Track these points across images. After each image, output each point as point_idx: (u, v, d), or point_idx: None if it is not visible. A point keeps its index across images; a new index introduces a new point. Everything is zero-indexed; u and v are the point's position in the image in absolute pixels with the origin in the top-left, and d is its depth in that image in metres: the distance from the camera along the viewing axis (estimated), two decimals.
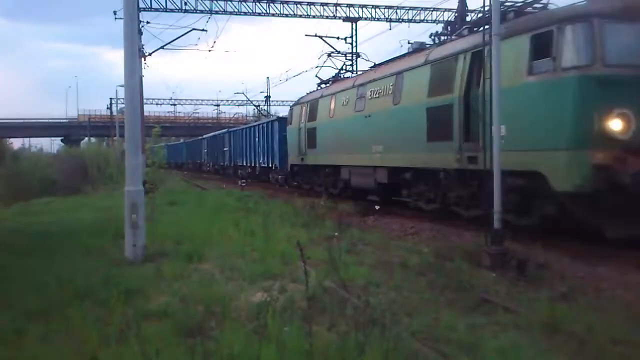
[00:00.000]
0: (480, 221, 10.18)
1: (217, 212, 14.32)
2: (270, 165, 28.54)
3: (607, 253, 8.62)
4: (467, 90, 10.98)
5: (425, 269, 7.83)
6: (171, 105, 75.70)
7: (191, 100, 76.78)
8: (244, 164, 34.32)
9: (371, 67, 18.54)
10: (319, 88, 22.17)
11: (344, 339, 4.66)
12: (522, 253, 8.42)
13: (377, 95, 15.20)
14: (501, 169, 8.69)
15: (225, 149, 40.22)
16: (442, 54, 12.33)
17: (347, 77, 20.54)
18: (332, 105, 18.54)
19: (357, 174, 16.75)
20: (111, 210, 14.28)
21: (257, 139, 31.07)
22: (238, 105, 73.04)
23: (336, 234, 10.90)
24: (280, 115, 34.33)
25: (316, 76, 23.49)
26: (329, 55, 24.79)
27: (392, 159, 14.26)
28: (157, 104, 72.95)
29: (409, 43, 20.04)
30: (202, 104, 77.77)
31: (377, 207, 15.54)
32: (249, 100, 58.86)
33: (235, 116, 77.27)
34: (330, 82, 21.69)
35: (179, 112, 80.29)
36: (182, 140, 74.25)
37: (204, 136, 51.90)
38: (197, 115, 79.35)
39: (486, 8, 9.94)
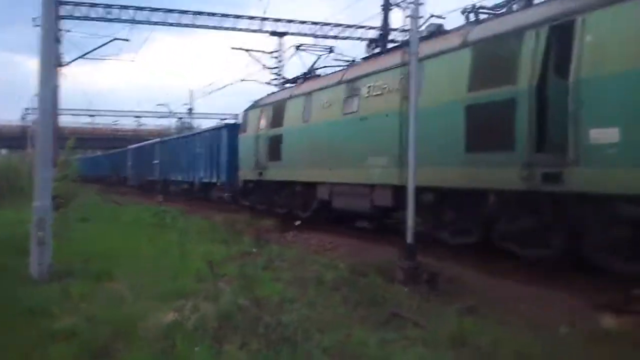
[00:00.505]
0: (548, 264, 8.59)
1: (131, 229, 13.93)
2: (214, 180, 24.74)
3: (514, 268, 8.97)
4: (542, 79, 8.14)
5: (340, 284, 7.88)
6: (89, 116, 73.38)
7: (110, 111, 74.69)
8: (179, 179, 30.73)
9: (362, 58, 15.16)
10: (281, 88, 19.29)
11: (254, 357, 4.64)
12: (434, 267, 8.63)
13: (378, 92, 11.83)
14: (605, 193, 7.01)
15: (155, 161, 35.92)
16: (494, 32, 9.26)
17: (325, 74, 16.49)
18: (307, 107, 14.94)
19: (343, 193, 13.21)
20: (18, 225, 13.61)
21: (197, 150, 27.34)
22: (160, 117, 71.75)
23: (254, 250, 10.86)
24: (204, 127, 33.02)
25: (277, 75, 20.93)
26: (297, 48, 21.45)
27: (402, 175, 10.17)
28: (74, 114, 70.54)
29: (334, 59, 19.84)
30: (122, 116, 75.76)
31: (296, 223, 15.57)
32: (171, 112, 57.88)
33: (157, 128, 75.70)
34: (300, 80, 17.79)
35: (98, 124, 77.87)
36: (99, 153, 71.74)
37: (129, 147, 47.11)
38: (116, 127, 77.16)
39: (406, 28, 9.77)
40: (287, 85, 19.69)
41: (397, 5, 21.03)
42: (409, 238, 8.63)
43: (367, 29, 31.67)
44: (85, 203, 22.99)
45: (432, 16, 12.52)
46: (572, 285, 7.79)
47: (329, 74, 15.83)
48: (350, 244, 12.00)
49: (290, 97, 16.45)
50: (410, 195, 8.75)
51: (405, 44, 11.24)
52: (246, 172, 19.13)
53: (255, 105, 19.30)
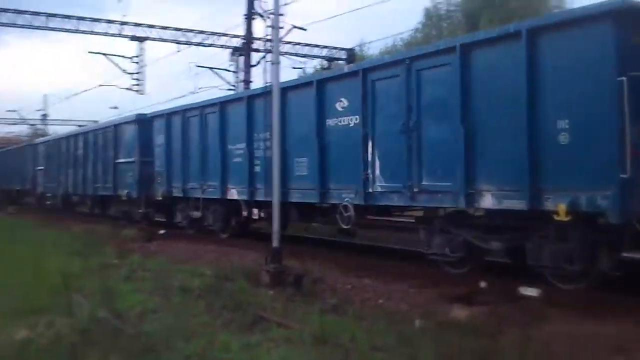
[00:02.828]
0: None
1: None
2: (400, 202, 9.10)
3: (374, 265, 9.38)
4: None
5: (205, 291, 7.83)
6: None
7: None
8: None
9: None
10: None
11: None
12: (299, 269, 8.81)
13: None
14: None
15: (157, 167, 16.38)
16: None
17: None
18: None
19: None
20: None
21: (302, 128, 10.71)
22: (11, 124, 66.60)
23: (115, 261, 10.50)
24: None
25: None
26: None
27: None
28: None
29: (197, 66, 19.56)
30: None
31: (161, 232, 15.18)
32: (22, 118, 53.64)
33: (7, 135, 70.31)
34: None
35: None
36: None
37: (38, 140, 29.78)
38: None
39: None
40: None
41: (260, 15, 21.18)
42: (275, 242, 8.78)
43: (230, 37, 31.49)
44: None
45: (293, 27, 12.83)
46: (426, 280, 8.31)
47: None
48: (217, 251, 11.90)
49: None
50: (275, 202, 8.92)
51: None
52: None
53: None
